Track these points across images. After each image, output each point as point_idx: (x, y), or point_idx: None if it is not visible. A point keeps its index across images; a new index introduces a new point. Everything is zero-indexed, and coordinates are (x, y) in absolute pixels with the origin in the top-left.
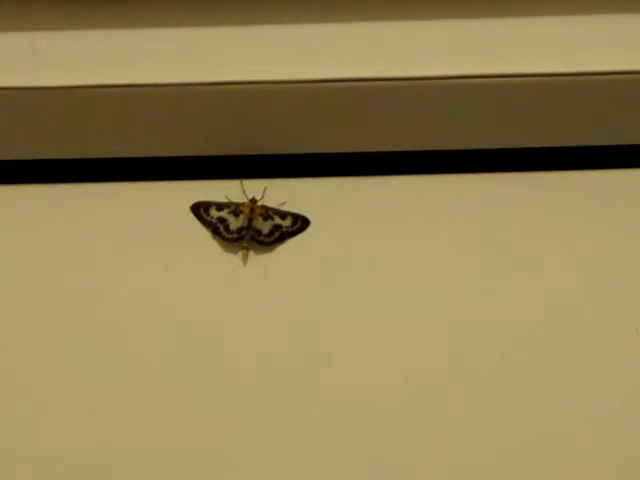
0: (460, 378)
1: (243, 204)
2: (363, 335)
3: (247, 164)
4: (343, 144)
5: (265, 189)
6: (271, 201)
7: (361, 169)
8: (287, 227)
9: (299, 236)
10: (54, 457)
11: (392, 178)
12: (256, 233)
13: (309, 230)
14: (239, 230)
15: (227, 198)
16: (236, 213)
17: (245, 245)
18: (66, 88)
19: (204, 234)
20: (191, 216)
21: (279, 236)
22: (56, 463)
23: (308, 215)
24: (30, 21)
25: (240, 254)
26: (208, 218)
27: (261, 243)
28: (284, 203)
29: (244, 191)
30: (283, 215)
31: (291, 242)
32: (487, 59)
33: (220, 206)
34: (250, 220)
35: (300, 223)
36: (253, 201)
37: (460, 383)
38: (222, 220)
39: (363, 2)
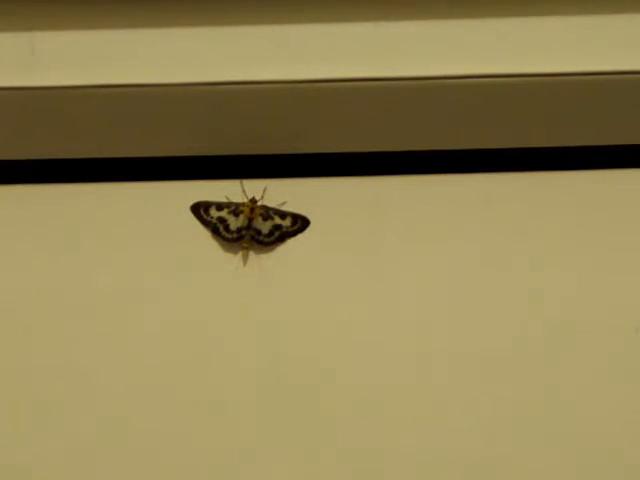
0: (460, 378)
1: (243, 204)
2: (363, 335)
3: (247, 164)
4: (343, 144)
5: (265, 189)
6: (271, 201)
7: (361, 169)
8: (287, 227)
9: (299, 236)
10: (52, 458)
11: (392, 178)
12: (256, 233)
13: (309, 230)
14: (239, 230)
15: (227, 198)
16: (236, 213)
17: (245, 245)
18: (66, 88)
19: (204, 234)
20: (191, 216)
21: (279, 236)
22: (53, 464)
23: (308, 215)
24: (30, 21)
25: (240, 254)
26: (208, 218)
27: (261, 243)
28: (284, 203)
29: (244, 191)
30: (283, 215)
31: (291, 242)
32: (487, 59)
33: (220, 206)
34: (250, 220)
35: (300, 223)
36: (253, 201)
37: (460, 383)
38: (222, 220)
39: (363, 2)
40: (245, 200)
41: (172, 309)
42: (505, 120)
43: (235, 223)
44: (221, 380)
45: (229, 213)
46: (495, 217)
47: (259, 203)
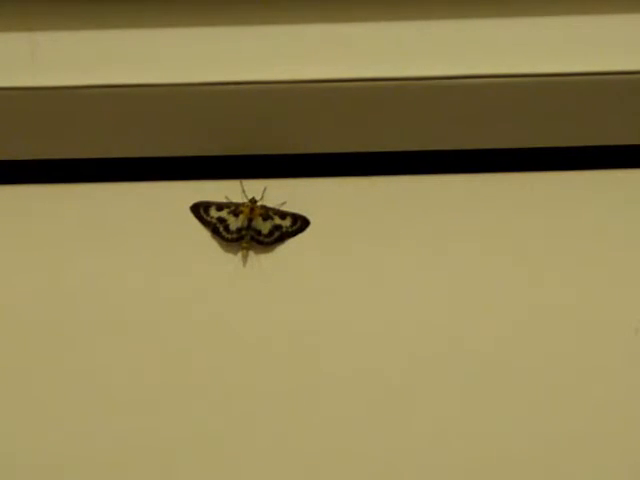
0: (460, 378)
1: (243, 204)
2: (363, 334)
3: (247, 164)
4: (343, 144)
5: (265, 189)
6: (271, 201)
7: (361, 169)
8: (287, 227)
9: (299, 236)
10: (53, 459)
11: (392, 178)
12: (256, 233)
13: (309, 230)
14: (239, 230)
15: (227, 198)
16: (236, 213)
17: (245, 245)
18: (66, 88)
19: (204, 234)
20: (191, 216)
21: (279, 236)
22: (53, 465)
23: (308, 215)
24: (30, 21)
25: (240, 254)
26: (208, 218)
27: (261, 243)
28: (284, 203)
29: (244, 191)
30: (283, 215)
31: (291, 242)
32: (487, 59)
33: (220, 206)
34: (250, 220)
35: (300, 223)
36: (253, 201)
37: (460, 382)
38: (222, 220)
39: (363, 2)
40: (245, 200)
41: (172, 309)
42: (505, 120)
43: (235, 223)
44: (221, 379)
45: (229, 213)
46: (495, 217)
47: (259, 203)
